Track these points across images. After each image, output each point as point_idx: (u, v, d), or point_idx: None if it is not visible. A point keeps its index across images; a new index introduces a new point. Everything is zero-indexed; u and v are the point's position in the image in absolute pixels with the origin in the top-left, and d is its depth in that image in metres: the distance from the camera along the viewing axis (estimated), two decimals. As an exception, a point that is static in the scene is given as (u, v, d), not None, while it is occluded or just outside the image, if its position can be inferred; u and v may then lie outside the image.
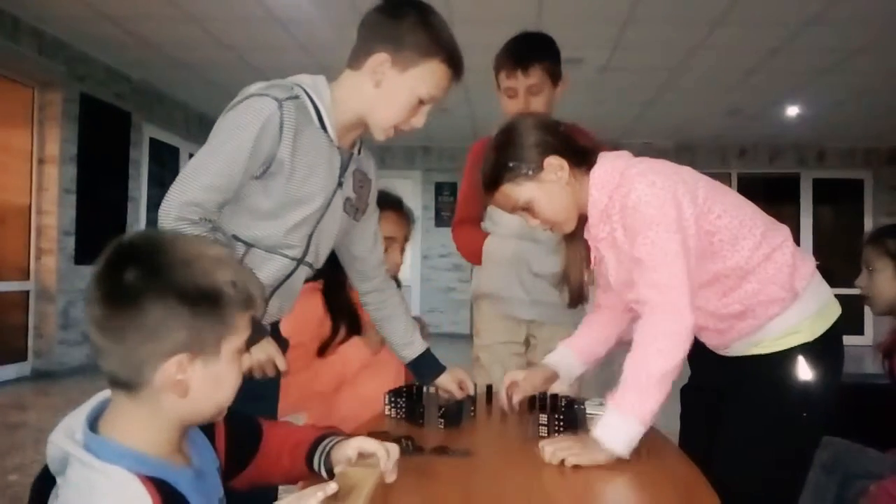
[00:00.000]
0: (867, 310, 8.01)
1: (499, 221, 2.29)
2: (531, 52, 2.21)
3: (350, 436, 1.17)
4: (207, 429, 1.07)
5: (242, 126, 1.40)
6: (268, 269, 1.51)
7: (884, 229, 2.14)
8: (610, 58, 6.12)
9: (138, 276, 0.88)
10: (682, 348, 1.36)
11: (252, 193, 1.46)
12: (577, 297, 1.69)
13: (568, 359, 1.72)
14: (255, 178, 1.45)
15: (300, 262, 1.56)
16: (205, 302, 0.90)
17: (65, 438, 0.91)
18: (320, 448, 1.15)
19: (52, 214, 6.18)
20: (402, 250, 2.10)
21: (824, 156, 9.91)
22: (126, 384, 0.91)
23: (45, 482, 0.93)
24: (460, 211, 2.45)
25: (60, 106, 6.15)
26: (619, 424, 1.34)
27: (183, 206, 1.36)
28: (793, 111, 7.93)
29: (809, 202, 9.94)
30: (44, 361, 6.18)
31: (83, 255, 6.44)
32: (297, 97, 1.47)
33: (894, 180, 9.82)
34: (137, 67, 6.84)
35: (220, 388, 0.96)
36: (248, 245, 1.49)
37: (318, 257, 1.62)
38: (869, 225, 9.88)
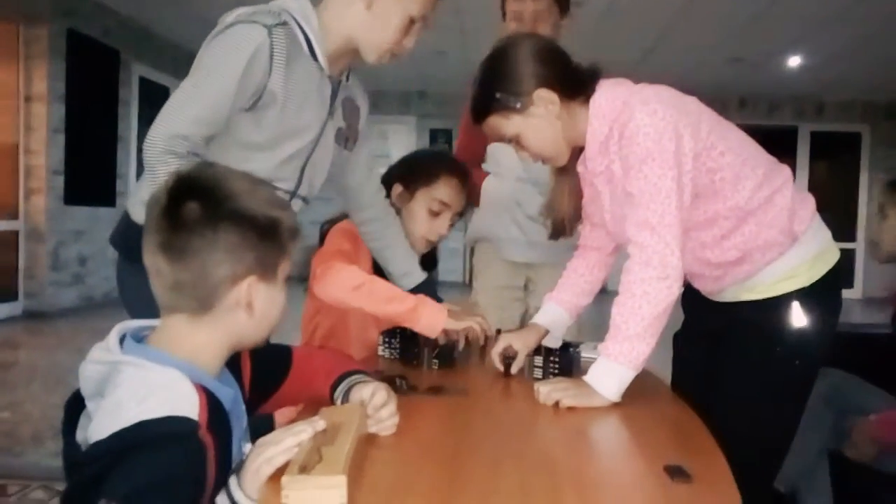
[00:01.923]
0: (858, 263, 8.10)
1: (501, 162, 2.24)
2: None
3: (372, 378, 1.20)
4: (233, 365, 1.10)
5: (230, 55, 1.35)
6: None
7: None
8: (612, 2, 5.98)
9: (210, 204, 0.96)
10: (671, 291, 1.33)
11: (242, 126, 1.42)
12: (559, 230, 1.63)
13: (556, 315, 1.69)
14: (245, 110, 1.40)
15: (293, 194, 1.52)
16: (268, 228, 1.00)
17: (109, 353, 0.96)
18: (346, 382, 1.19)
19: (41, 154, 6.08)
20: (452, 224, 1.96)
21: (823, 108, 9.84)
22: (195, 306, 0.98)
23: (76, 406, 0.98)
24: (459, 153, 2.38)
25: (46, 42, 5.99)
26: (610, 371, 1.33)
27: (170, 139, 1.32)
28: (794, 61, 7.83)
29: (806, 155, 9.90)
30: (35, 302, 6.16)
31: (73, 195, 6.37)
32: (285, 23, 1.41)
33: (892, 135, 9.78)
34: (126, 3, 6.65)
35: (275, 311, 1.05)
36: None
37: (312, 189, 1.58)
38: (865, 179, 9.87)
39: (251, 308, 1.00)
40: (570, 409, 1.30)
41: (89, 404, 0.95)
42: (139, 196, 1.54)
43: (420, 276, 1.81)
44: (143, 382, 0.92)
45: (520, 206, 2.21)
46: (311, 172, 1.54)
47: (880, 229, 2.04)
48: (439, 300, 1.80)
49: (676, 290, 1.34)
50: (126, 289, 1.56)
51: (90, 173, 6.64)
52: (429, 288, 1.83)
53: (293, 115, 1.43)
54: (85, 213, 6.54)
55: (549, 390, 1.33)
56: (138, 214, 1.52)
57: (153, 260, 0.98)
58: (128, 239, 1.54)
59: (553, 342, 1.68)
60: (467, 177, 1.97)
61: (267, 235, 1.00)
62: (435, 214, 1.89)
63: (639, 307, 1.31)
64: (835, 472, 1.97)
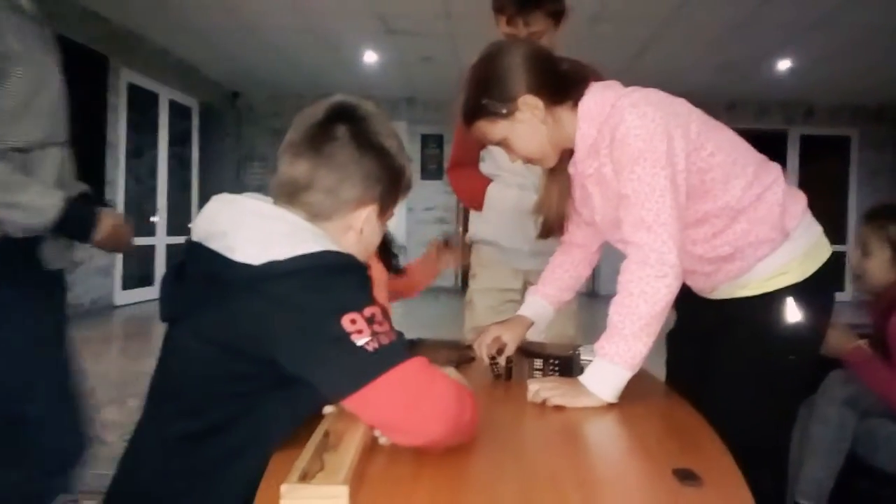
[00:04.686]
0: (848, 266, 8.12)
1: (502, 165, 2.21)
2: None
3: None
4: None
5: None
6: (48, 164, 1.47)
7: (884, 210, 2.11)
8: (601, 6, 5.99)
9: (360, 131, 1.08)
10: (669, 290, 1.32)
11: None
12: (549, 230, 1.64)
13: (541, 308, 1.71)
14: None
15: (64, 144, 1.54)
16: (399, 172, 1.13)
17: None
18: None
19: (28, 160, 6.00)
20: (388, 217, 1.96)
21: (812, 112, 9.88)
22: (316, 210, 1.07)
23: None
24: (456, 152, 2.36)
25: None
26: (605, 371, 1.31)
27: None
28: (783, 65, 7.86)
29: (796, 158, 9.94)
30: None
31: (60, 202, 6.29)
32: None
33: (881, 138, 9.84)
34: (114, 9, 6.60)
35: (371, 246, 1.17)
36: (24, 150, 1.43)
37: (67, 131, 1.59)
38: (854, 182, 9.92)
39: (360, 234, 1.11)
40: (574, 411, 1.27)
41: (213, 243, 1.00)
42: None
43: None
44: (283, 218, 1.03)
45: (526, 215, 2.17)
46: (62, 114, 1.55)
47: (864, 264, 2.05)
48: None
49: (675, 289, 1.33)
50: None
51: (78, 180, 6.58)
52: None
53: (36, 68, 1.43)
54: (73, 220, 6.46)
55: (538, 388, 1.32)
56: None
57: (290, 160, 1.07)
58: None
59: (536, 335, 1.72)
60: None
61: (395, 178, 1.13)
62: None
63: (636, 306, 1.30)
64: (857, 476, 1.97)
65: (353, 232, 1.10)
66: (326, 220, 1.08)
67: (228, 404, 1.01)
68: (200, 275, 1.03)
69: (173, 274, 1.09)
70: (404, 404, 0.93)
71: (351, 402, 0.93)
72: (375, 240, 1.16)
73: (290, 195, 1.07)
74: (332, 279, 0.95)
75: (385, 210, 1.15)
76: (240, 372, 0.99)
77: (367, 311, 0.94)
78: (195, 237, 1.06)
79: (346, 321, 0.92)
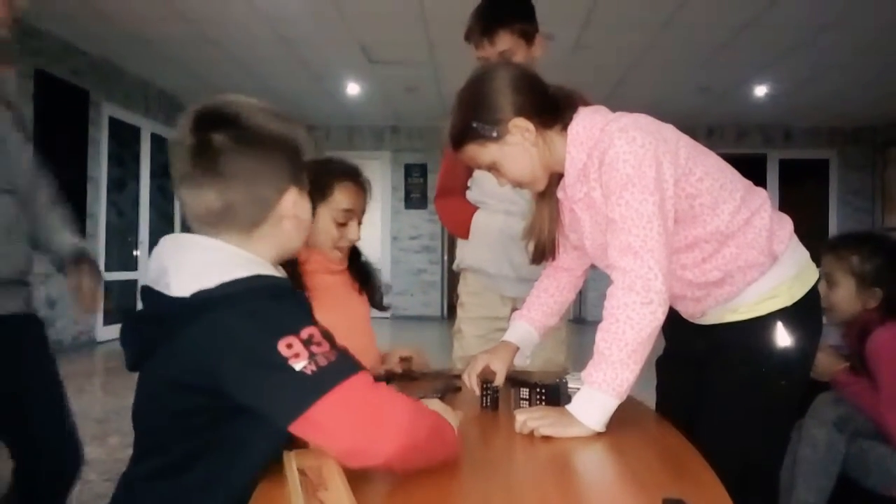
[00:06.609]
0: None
1: (486, 191, 2.21)
2: (496, 18, 2.09)
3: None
4: None
5: None
6: None
7: (843, 240, 2.13)
8: (581, 35, 6.07)
9: (239, 132, 1.03)
10: (655, 316, 1.31)
11: None
12: (541, 255, 1.63)
13: (526, 333, 1.71)
14: None
15: (12, 192, 1.71)
16: (294, 146, 1.10)
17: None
18: None
19: (8, 195, 5.95)
20: (360, 223, 1.91)
21: (790, 136, 10.02)
22: (247, 223, 1.06)
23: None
24: (443, 180, 2.35)
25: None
26: (593, 400, 1.29)
27: None
28: (760, 90, 7.99)
29: (776, 182, 10.06)
30: (1, 347, 5.96)
31: (41, 237, 6.22)
32: None
33: (858, 159, 9.98)
34: (95, 42, 6.61)
35: (307, 214, 1.15)
36: None
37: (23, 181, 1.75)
38: (834, 204, 10.03)
39: (297, 217, 1.10)
40: (563, 440, 1.26)
41: (157, 283, 1.01)
42: None
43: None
44: (220, 248, 1.03)
45: (512, 240, 2.17)
46: (8, 162, 1.70)
47: (831, 297, 2.06)
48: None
49: (661, 316, 1.32)
50: None
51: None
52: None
53: None
54: (54, 254, 6.39)
55: (525, 419, 1.30)
56: None
57: (193, 192, 1.03)
58: None
59: (521, 360, 1.70)
60: (358, 172, 1.89)
61: (295, 152, 1.10)
62: (343, 224, 1.83)
63: (622, 333, 1.29)
64: (850, 499, 1.96)
65: (288, 220, 1.09)
66: (260, 225, 1.07)
67: (190, 439, 0.99)
68: (150, 317, 1.03)
69: (131, 323, 1.08)
70: (351, 424, 0.91)
71: (297, 429, 0.92)
72: (307, 212, 1.15)
73: (213, 224, 1.05)
74: (265, 303, 0.95)
75: (301, 182, 1.12)
76: (194, 405, 0.97)
77: (304, 333, 0.93)
78: (146, 281, 1.05)
79: (282, 346, 0.90)
